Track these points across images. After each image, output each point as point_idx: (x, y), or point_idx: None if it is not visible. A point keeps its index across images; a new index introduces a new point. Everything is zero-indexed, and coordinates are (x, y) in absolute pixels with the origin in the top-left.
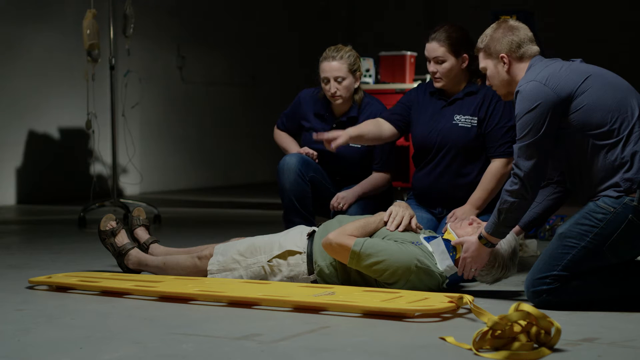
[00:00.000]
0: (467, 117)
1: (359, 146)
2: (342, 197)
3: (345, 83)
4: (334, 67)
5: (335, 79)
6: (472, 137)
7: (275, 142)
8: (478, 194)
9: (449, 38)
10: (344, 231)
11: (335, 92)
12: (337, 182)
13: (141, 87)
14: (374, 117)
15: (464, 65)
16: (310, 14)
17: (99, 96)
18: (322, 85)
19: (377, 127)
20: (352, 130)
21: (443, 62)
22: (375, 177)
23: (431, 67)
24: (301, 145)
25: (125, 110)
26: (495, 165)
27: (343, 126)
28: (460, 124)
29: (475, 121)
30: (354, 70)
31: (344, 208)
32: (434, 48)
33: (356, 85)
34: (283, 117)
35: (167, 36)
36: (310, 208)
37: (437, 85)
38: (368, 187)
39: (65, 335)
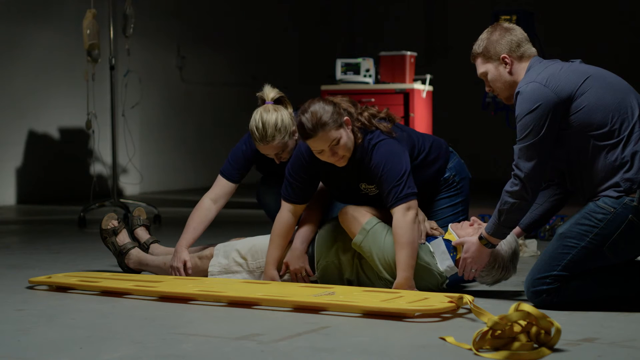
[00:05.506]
0: (370, 186)
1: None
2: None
3: (289, 149)
4: (274, 147)
5: (277, 156)
6: (382, 197)
7: None
8: (401, 257)
9: (328, 123)
10: (361, 208)
11: (281, 160)
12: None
13: (141, 87)
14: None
15: (349, 128)
16: (310, 13)
17: (99, 96)
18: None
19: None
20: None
21: (337, 143)
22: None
23: (324, 156)
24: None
25: (125, 110)
26: (397, 216)
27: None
28: (370, 194)
29: (374, 186)
30: (291, 132)
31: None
32: (324, 139)
33: (296, 137)
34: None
35: (167, 36)
36: None
37: (340, 164)
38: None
39: (65, 335)
